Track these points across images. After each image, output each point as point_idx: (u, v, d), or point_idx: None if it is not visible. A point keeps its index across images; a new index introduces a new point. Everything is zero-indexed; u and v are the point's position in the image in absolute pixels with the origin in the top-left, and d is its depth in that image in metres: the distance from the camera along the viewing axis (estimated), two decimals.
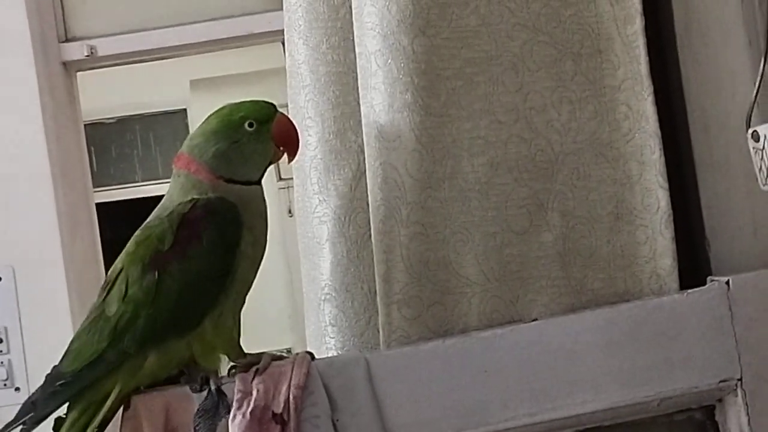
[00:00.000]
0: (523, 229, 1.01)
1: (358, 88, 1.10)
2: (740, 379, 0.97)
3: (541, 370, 0.97)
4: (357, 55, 1.05)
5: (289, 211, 6.00)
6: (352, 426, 0.95)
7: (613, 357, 0.98)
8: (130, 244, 0.96)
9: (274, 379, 0.94)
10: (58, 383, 0.94)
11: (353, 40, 1.09)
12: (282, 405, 0.93)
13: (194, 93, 4.10)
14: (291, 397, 0.93)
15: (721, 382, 0.97)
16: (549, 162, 1.02)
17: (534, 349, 0.97)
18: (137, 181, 4.24)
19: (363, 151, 1.11)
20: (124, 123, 4.29)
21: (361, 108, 1.05)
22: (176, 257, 0.94)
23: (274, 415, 0.93)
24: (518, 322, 1.00)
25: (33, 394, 0.94)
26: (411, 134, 0.99)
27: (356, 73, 1.09)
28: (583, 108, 1.02)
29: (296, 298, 5.79)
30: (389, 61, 1.00)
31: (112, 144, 4.26)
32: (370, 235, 1.10)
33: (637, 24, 1.02)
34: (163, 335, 0.94)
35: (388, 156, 1.00)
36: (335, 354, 1.09)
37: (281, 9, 1.20)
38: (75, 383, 0.93)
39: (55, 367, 0.95)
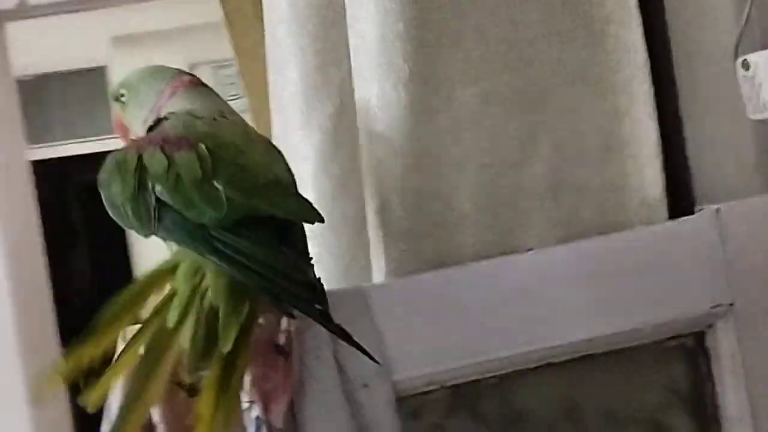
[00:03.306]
0: (516, 161, 1.01)
1: (337, 23, 1.09)
2: (731, 305, 0.99)
3: (538, 300, 0.98)
4: None
5: None
6: (352, 358, 0.94)
7: (606, 285, 0.99)
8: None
9: (275, 312, 0.93)
10: None
11: None
12: (284, 337, 0.92)
13: (116, 50, 4.02)
14: (293, 328, 0.92)
15: (712, 307, 0.99)
16: (540, 94, 1.02)
17: (530, 278, 0.98)
18: (56, 140, 4.15)
19: (345, 86, 1.10)
20: (42, 80, 4.18)
21: (350, 40, 1.03)
22: None
23: (277, 347, 0.91)
24: (514, 253, 1.00)
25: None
26: (404, 65, 0.98)
27: (335, 6, 1.08)
28: (571, 40, 1.02)
29: None
30: None
31: (29, 101, 4.16)
32: (354, 171, 1.09)
33: None
34: None
35: (382, 87, 0.99)
36: None
37: None
38: None
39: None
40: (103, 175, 0.91)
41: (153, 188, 0.86)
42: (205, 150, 0.87)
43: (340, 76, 1.11)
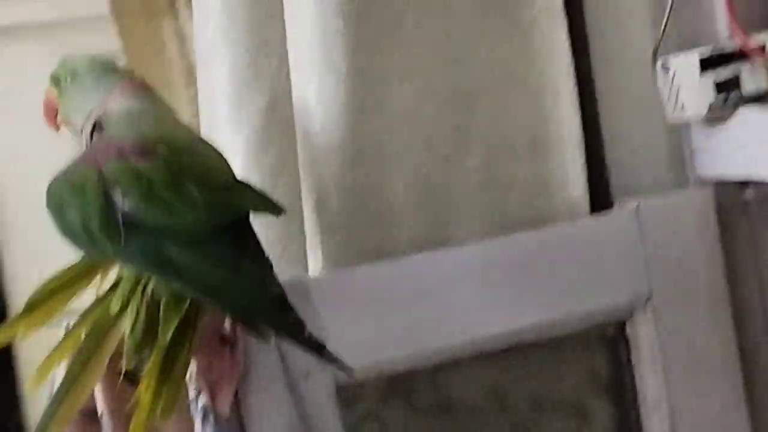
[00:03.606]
0: (449, 157, 1.04)
1: (270, 18, 1.11)
2: (650, 295, 1.04)
3: (469, 291, 1.01)
4: None
5: None
6: (294, 348, 0.95)
7: (533, 277, 1.03)
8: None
9: None
10: None
11: None
12: (230, 327, 0.93)
13: None
14: None
15: (632, 298, 1.04)
16: (471, 93, 1.05)
17: (462, 270, 1.01)
18: None
19: (277, 82, 1.11)
20: None
21: (288, 35, 1.05)
22: None
23: (223, 337, 0.93)
24: (447, 245, 1.03)
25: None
26: (344, 61, 1.01)
27: (268, 2, 1.10)
28: (501, 41, 1.06)
29: None
30: None
31: None
32: (285, 166, 1.11)
33: None
34: None
35: (321, 82, 1.01)
36: None
37: None
38: None
39: None
40: (53, 200, 0.89)
41: (121, 203, 0.85)
42: (167, 153, 0.88)
43: (271, 72, 1.12)
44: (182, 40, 3.22)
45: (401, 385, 1.04)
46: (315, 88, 1.02)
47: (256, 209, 0.90)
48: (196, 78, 3.65)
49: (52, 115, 1.05)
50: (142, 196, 0.85)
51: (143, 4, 3.27)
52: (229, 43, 1.13)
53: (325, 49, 1.01)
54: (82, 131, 1.01)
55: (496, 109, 1.06)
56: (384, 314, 0.99)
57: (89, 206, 0.86)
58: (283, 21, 1.12)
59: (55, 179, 0.90)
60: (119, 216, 0.85)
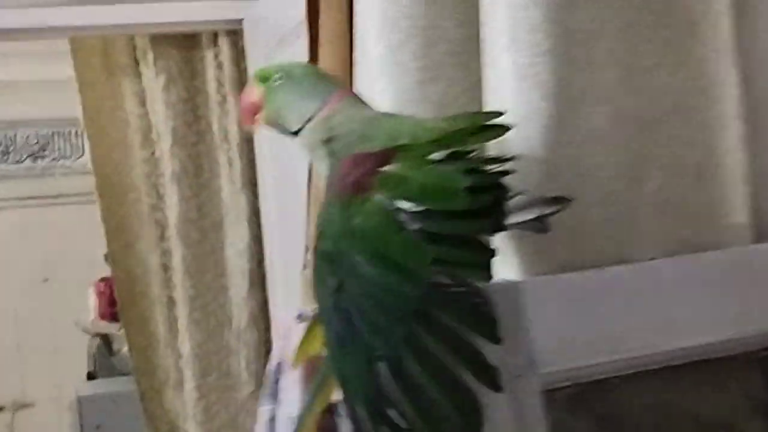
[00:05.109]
0: (635, 177, 1.09)
1: (439, 42, 1.16)
2: None
3: (657, 306, 1.05)
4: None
5: None
6: (510, 350, 0.97)
7: (711, 297, 1.08)
8: None
9: None
10: None
11: None
12: None
13: None
14: None
15: None
16: (653, 119, 1.11)
17: (651, 286, 1.06)
18: None
19: (443, 102, 1.16)
20: None
21: (488, 58, 1.10)
22: None
23: None
24: (630, 262, 1.07)
25: None
26: (550, 78, 1.05)
27: (438, 29, 1.16)
28: (675, 73, 1.12)
29: None
30: (531, 11, 1.05)
31: None
32: None
33: (722, 2, 1.14)
34: None
35: (528, 99, 1.05)
36: None
37: None
38: None
39: None
40: (343, 244, 0.88)
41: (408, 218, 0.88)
42: (406, 147, 0.93)
43: (438, 93, 1.17)
44: (142, 100, 3.21)
45: (587, 394, 1.06)
46: (521, 102, 1.06)
47: (482, 130, 0.96)
48: (152, 139, 3.64)
49: (252, 112, 1.05)
50: (414, 196, 0.88)
51: (104, 62, 3.25)
52: (398, 63, 1.17)
53: (534, 67, 1.05)
54: (297, 133, 1.03)
55: (670, 138, 1.12)
56: (584, 322, 1.02)
57: (392, 243, 0.87)
58: (451, 46, 1.17)
59: (333, 233, 0.90)
60: (412, 233, 0.87)
